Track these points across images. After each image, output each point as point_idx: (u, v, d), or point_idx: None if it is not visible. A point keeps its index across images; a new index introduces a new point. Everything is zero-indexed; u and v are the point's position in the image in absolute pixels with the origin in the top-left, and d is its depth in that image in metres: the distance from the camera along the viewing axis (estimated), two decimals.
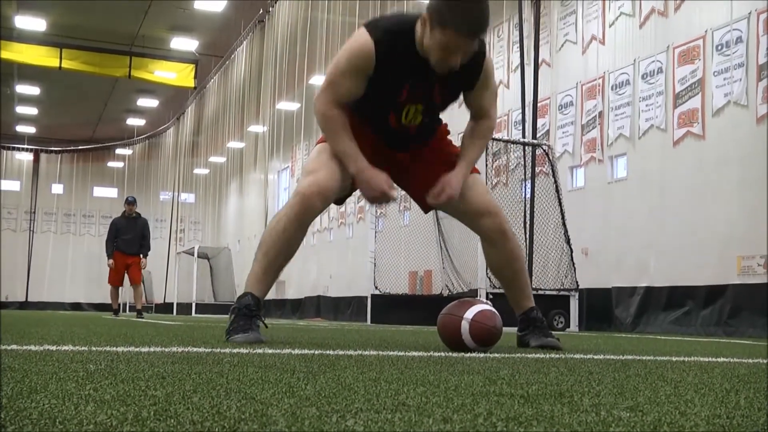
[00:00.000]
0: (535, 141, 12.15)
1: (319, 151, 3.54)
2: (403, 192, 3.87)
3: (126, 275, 13.19)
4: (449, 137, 3.80)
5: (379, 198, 3.40)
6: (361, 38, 3.28)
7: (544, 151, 11.82)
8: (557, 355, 3.24)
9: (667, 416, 1.35)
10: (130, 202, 13.26)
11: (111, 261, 12.98)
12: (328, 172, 3.44)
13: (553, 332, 3.97)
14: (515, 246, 3.73)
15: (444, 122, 3.72)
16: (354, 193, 3.70)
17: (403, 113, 3.45)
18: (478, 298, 10.44)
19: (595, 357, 3.29)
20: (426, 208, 3.80)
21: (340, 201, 3.68)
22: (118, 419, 1.14)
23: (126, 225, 13.06)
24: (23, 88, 30.55)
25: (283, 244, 3.49)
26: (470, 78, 3.42)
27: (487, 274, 10.58)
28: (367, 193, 3.42)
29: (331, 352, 2.97)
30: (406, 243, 15.30)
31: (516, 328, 3.97)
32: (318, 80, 22.65)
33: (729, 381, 2.16)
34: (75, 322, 7.74)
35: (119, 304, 13.78)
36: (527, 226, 11.52)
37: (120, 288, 13.50)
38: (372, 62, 3.26)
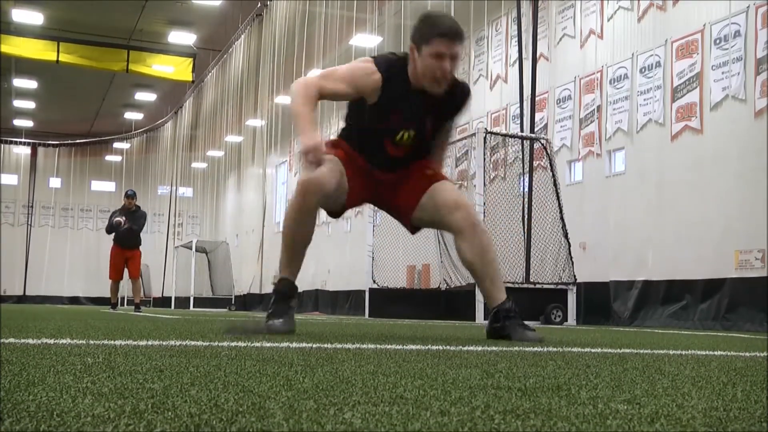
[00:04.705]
0: (533, 135, 12.15)
1: (314, 155, 3.84)
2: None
3: (125, 269, 13.20)
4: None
5: (314, 163, 3.65)
6: (372, 68, 3.78)
7: (542, 145, 11.81)
8: (555, 349, 3.25)
9: (664, 409, 1.35)
10: (129, 196, 13.22)
11: (117, 220, 12.88)
12: (329, 168, 3.79)
13: (532, 325, 4.03)
14: (487, 238, 3.96)
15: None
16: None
17: (397, 137, 3.89)
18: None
19: (593, 350, 3.29)
20: (412, 229, 4.20)
21: (336, 214, 4.07)
22: (115, 412, 1.14)
23: (122, 216, 13.06)
24: (21, 82, 30.49)
25: (297, 232, 3.87)
26: (453, 111, 3.99)
27: None
28: (307, 156, 3.64)
29: (329, 346, 2.98)
30: (404, 237, 15.26)
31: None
32: (316, 74, 22.60)
33: (726, 374, 2.16)
34: (73, 315, 7.75)
35: (118, 298, 13.79)
36: (525, 220, 11.51)
37: (120, 282, 13.50)
38: (377, 86, 3.75)
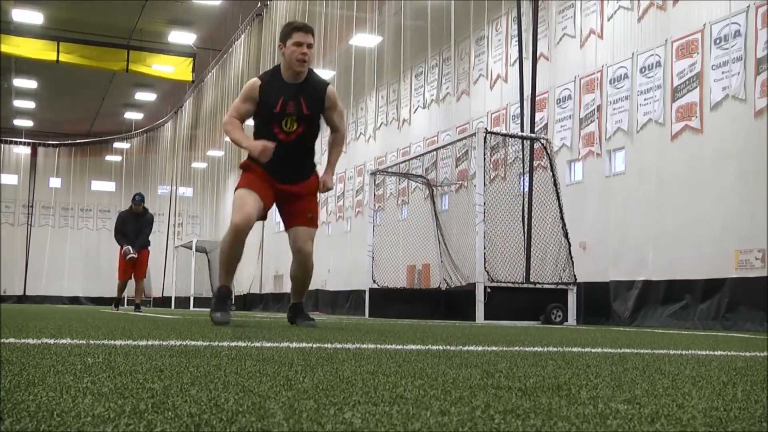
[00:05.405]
0: (533, 135, 12.14)
1: (240, 194, 5.38)
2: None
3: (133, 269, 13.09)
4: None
5: (264, 153, 5.19)
6: (252, 80, 5.51)
7: (543, 145, 11.80)
8: (555, 349, 3.25)
9: (664, 408, 1.35)
10: (138, 202, 13.02)
11: (127, 247, 12.73)
12: (252, 206, 5.33)
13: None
14: (311, 269, 5.68)
15: (316, 171, 5.65)
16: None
17: (283, 123, 5.33)
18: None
19: (593, 350, 3.29)
20: (288, 227, 5.61)
21: (262, 218, 5.56)
22: (115, 412, 1.14)
23: (131, 220, 13.00)
24: (21, 82, 30.49)
25: (234, 255, 5.43)
26: (320, 98, 5.43)
27: (485, 268, 10.60)
28: (257, 153, 5.21)
29: (329, 346, 2.98)
30: (404, 237, 15.31)
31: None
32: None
33: (726, 374, 2.16)
34: (73, 315, 7.74)
35: (122, 297, 13.64)
36: (525, 220, 11.51)
37: (128, 282, 13.33)
38: (257, 92, 5.35)
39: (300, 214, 5.57)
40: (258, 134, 5.43)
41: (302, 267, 5.62)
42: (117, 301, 13.45)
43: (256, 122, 5.49)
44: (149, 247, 13.25)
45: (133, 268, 12.98)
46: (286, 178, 5.45)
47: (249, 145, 5.26)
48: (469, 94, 17.79)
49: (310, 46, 5.30)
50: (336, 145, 5.73)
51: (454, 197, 16.25)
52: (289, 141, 5.34)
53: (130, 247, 12.69)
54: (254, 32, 24.40)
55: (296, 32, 5.28)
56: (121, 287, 13.27)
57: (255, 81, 5.42)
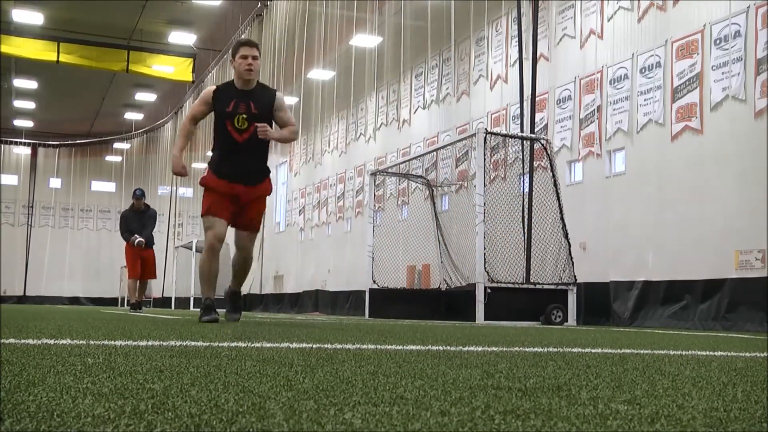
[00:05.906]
0: (533, 135, 12.15)
1: (208, 221, 6.31)
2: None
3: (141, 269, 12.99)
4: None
5: (177, 172, 6.39)
6: (208, 87, 6.44)
7: (543, 145, 11.81)
8: (555, 349, 3.25)
9: (664, 409, 1.35)
10: (138, 197, 12.96)
11: (134, 236, 12.68)
12: (220, 225, 6.29)
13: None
14: (249, 264, 6.68)
15: (269, 176, 6.51)
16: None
17: (235, 120, 6.17)
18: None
19: (593, 351, 3.29)
20: (236, 227, 6.49)
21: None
22: (115, 412, 1.14)
23: (134, 218, 12.96)
24: (21, 83, 30.47)
25: (211, 270, 6.39)
26: (268, 102, 6.30)
27: (485, 268, 10.60)
28: (173, 168, 6.39)
29: (329, 346, 2.98)
30: (404, 237, 15.31)
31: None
32: (316, 74, 22.74)
33: (726, 374, 2.16)
34: (73, 316, 7.74)
35: (136, 298, 13.35)
36: (525, 220, 11.51)
37: (137, 280, 13.16)
38: (210, 96, 6.29)
39: (246, 218, 6.44)
40: (215, 132, 6.31)
41: (243, 259, 6.59)
42: (134, 304, 13.14)
43: (215, 123, 6.32)
44: (153, 246, 13.19)
45: (142, 268, 12.89)
46: (245, 180, 6.26)
47: (174, 158, 6.40)
48: (469, 94, 17.79)
49: (255, 57, 6.22)
50: (288, 132, 6.43)
51: (454, 198, 16.26)
52: (243, 142, 6.17)
53: (137, 235, 12.65)
54: (254, 32, 24.39)
55: (242, 47, 6.26)
56: (133, 287, 13.06)
57: (210, 87, 6.43)
